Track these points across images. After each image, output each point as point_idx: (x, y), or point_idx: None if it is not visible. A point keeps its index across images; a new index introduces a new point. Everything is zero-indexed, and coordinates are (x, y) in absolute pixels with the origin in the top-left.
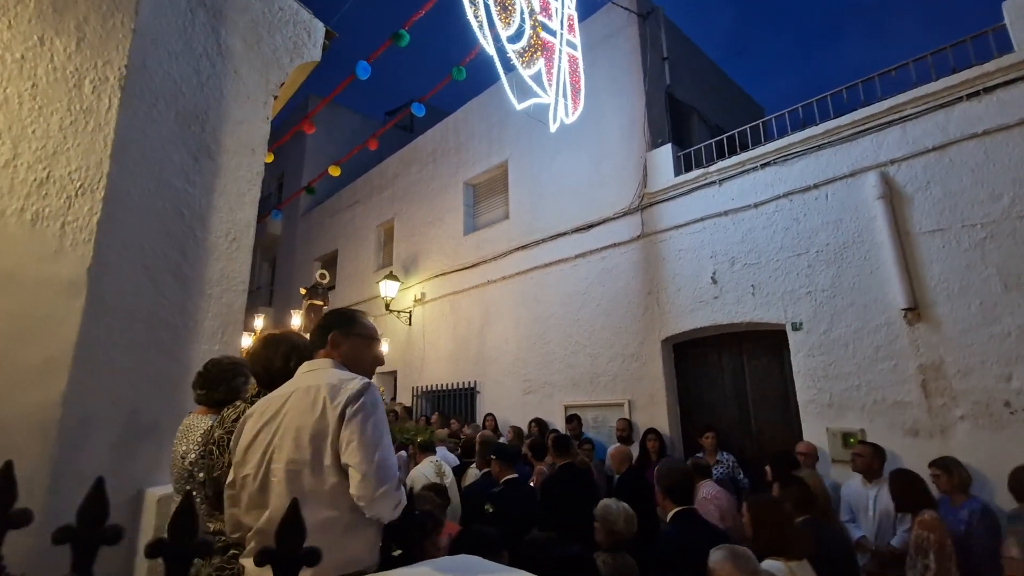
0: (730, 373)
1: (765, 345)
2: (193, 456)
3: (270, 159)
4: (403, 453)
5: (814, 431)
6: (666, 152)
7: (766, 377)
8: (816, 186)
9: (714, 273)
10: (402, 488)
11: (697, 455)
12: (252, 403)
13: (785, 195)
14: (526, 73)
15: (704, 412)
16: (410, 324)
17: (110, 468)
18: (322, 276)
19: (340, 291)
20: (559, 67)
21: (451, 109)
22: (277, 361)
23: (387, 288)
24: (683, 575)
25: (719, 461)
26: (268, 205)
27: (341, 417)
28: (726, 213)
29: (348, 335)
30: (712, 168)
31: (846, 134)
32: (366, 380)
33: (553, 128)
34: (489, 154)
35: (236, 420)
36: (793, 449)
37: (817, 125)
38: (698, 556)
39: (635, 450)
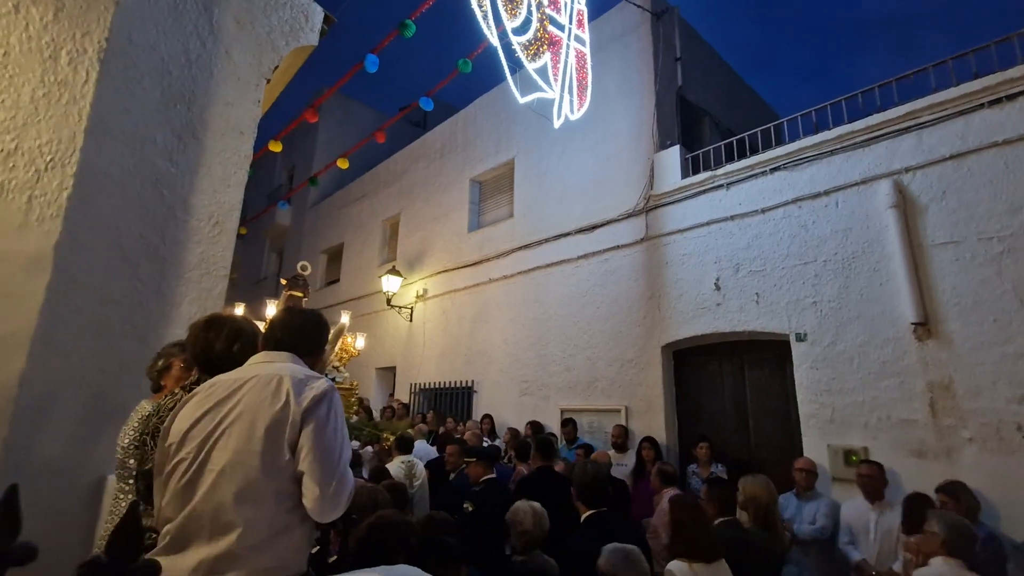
0: (730, 383)
1: (767, 355)
2: (127, 440)
3: (278, 148)
4: (369, 449)
5: (815, 447)
6: (674, 154)
7: (767, 389)
8: (826, 193)
9: (717, 279)
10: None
11: (691, 466)
12: (190, 391)
13: (794, 201)
14: (531, 66)
15: (702, 422)
16: (411, 320)
17: (71, 451)
18: (303, 268)
19: (344, 284)
20: (566, 62)
21: (463, 106)
22: (219, 344)
23: (389, 283)
24: None
25: (712, 472)
26: (279, 195)
27: (304, 417)
28: (732, 218)
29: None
30: (720, 171)
31: (860, 140)
32: (331, 382)
33: (557, 124)
34: (497, 151)
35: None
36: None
37: (831, 130)
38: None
39: (631, 458)
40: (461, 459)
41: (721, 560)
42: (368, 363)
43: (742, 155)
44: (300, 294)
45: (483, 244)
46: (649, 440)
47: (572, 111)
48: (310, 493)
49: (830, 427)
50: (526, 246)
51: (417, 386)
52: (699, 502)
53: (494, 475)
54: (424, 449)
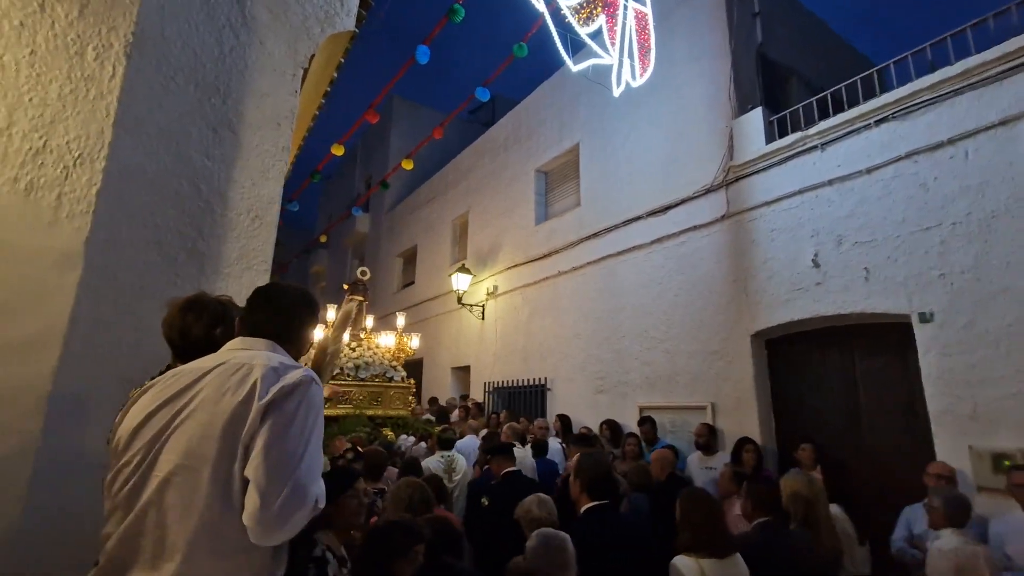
0: (837, 375)
1: (883, 341)
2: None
3: (340, 152)
4: (423, 444)
5: (951, 449)
6: (756, 117)
7: (884, 381)
8: (951, 142)
9: (815, 255)
10: (316, 502)
11: (794, 470)
12: None
13: (908, 156)
14: (583, 31)
15: (804, 421)
16: (483, 318)
17: (104, 446)
18: (363, 273)
19: (419, 286)
20: (624, 23)
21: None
22: (197, 328)
23: (459, 281)
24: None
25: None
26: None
27: (266, 411)
28: (830, 183)
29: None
30: (812, 131)
31: (995, 71)
32: (311, 373)
33: (617, 92)
34: (560, 138)
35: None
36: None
37: (953, 65)
38: (605, 554)
39: (720, 461)
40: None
41: (735, 555)
42: (444, 363)
43: (838, 111)
44: (361, 298)
45: (550, 236)
46: (751, 442)
47: (633, 77)
48: (249, 505)
49: (972, 426)
50: (594, 235)
51: (491, 385)
52: (710, 496)
53: (515, 468)
54: (471, 445)
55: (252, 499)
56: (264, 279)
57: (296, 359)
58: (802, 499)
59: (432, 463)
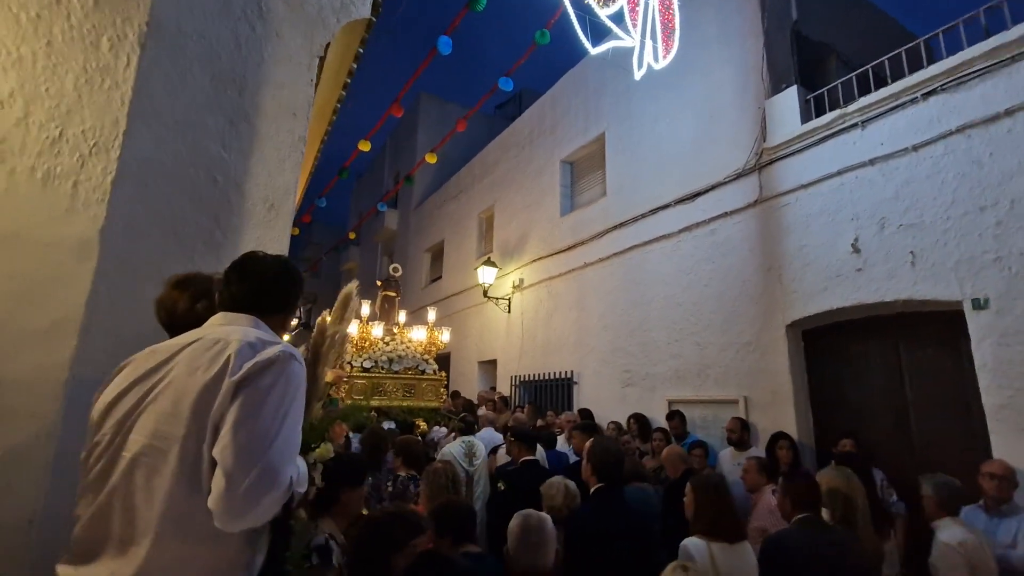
0: (881, 367)
1: (931, 330)
2: None
3: (367, 147)
4: (443, 429)
5: (1010, 447)
6: (790, 96)
7: (933, 372)
8: (1008, 113)
9: (856, 240)
10: (290, 483)
11: (832, 466)
12: None
13: (959, 130)
14: (603, 12)
15: (845, 416)
16: (508, 311)
17: None
18: (395, 270)
19: (446, 281)
20: (646, 4)
21: None
22: (181, 303)
23: (484, 274)
24: (592, 554)
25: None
26: (388, 202)
27: (239, 387)
28: (872, 162)
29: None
30: (852, 107)
31: None
32: (290, 349)
33: (638, 75)
34: (586, 128)
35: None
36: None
37: (1010, 30)
38: (610, 533)
39: (754, 454)
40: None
41: (744, 542)
42: (471, 357)
43: (881, 87)
44: (394, 294)
45: (576, 227)
46: (786, 438)
47: (656, 59)
48: (215, 488)
49: None
50: (620, 224)
51: (517, 379)
52: (721, 482)
53: (534, 457)
54: (490, 436)
55: (218, 481)
56: None
57: (280, 332)
58: (841, 495)
59: (454, 448)
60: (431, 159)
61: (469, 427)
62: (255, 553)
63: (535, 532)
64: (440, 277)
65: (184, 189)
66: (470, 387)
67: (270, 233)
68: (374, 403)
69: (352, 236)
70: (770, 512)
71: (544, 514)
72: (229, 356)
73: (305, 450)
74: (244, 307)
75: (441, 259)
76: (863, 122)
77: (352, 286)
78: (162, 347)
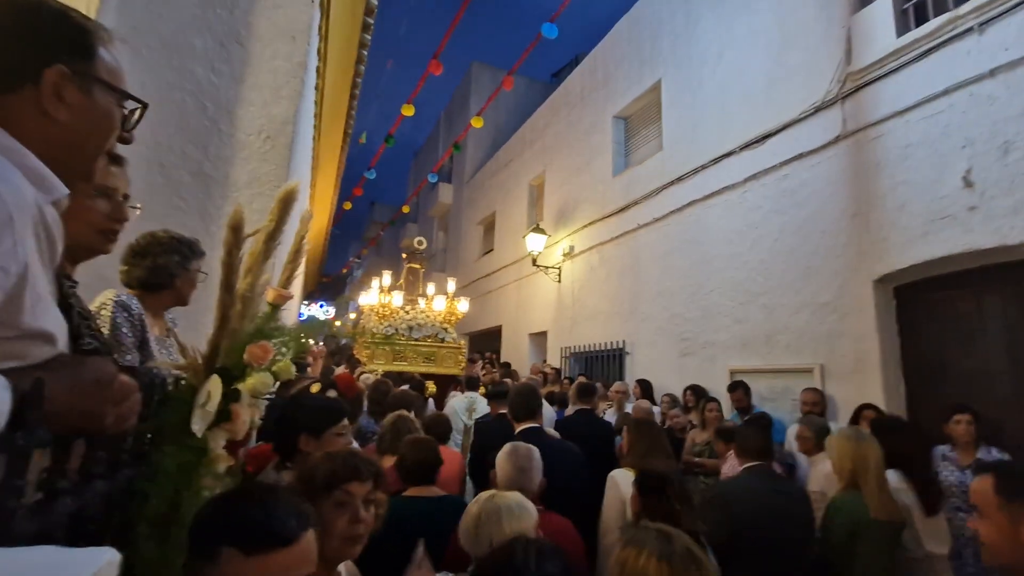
0: (999, 327)
1: None
2: None
3: (410, 112)
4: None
5: None
6: (883, 7)
7: None
8: None
9: (968, 172)
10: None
11: (940, 448)
12: (122, 305)
13: None
14: None
15: (952, 386)
16: (559, 281)
17: None
18: (419, 243)
19: (497, 252)
20: None
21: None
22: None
23: (533, 242)
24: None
25: (979, 459)
26: (444, 177)
27: None
28: (992, 74)
29: None
30: (965, 8)
31: None
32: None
33: None
34: (640, 77)
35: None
36: None
37: None
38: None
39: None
40: None
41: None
42: (521, 330)
43: None
44: (418, 266)
45: (629, 187)
46: (872, 408)
47: None
48: None
49: None
50: (678, 179)
51: (568, 350)
52: (654, 423)
53: (503, 412)
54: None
55: None
56: None
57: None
58: (848, 461)
59: (457, 402)
60: (477, 123)
61: (472, 382)
62: None
63: (524, 458)
64: (492, 250)
65: (169, 116)
66: (522, 360)
67: (265, 167)
68: (395, 367)
69: (406, 210)
70: (826, 477)
71: (533, 446)
72: None
73: (227, 378)
74: None
75: (493, 231)
76: (980, 24)
77: (294, 184)
78: None
